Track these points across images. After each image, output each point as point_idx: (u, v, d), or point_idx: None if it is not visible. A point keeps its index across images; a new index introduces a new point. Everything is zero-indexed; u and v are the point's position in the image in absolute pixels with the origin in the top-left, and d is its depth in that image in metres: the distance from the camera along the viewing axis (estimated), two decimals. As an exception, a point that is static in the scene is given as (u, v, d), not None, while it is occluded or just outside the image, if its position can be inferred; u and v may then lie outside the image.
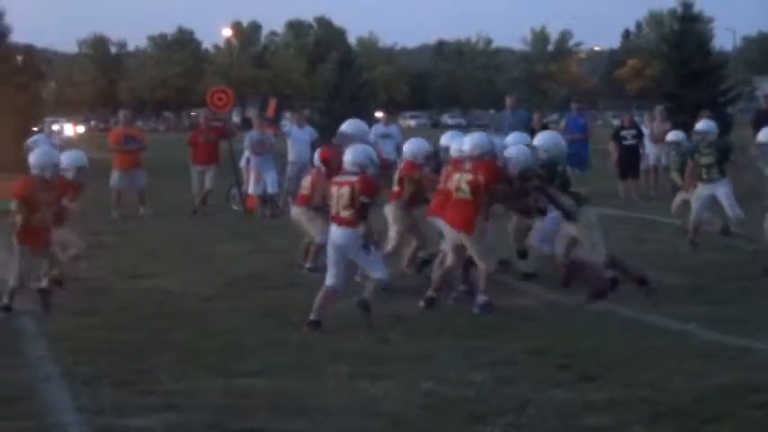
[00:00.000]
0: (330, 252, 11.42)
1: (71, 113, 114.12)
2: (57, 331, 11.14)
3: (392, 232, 13.68)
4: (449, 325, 11.20)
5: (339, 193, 11.35)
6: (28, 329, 11.38)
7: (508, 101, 27.66)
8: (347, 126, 13.97)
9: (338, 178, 11.66)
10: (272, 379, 9.20)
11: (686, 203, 16.91)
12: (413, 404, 8.41)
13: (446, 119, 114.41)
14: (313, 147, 22.67)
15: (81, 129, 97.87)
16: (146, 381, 9.11)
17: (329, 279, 11.32)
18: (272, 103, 27.82)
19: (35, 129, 34.30)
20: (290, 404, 8.45)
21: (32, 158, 12.38)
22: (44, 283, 12.22)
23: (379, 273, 11.41)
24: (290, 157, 23.20)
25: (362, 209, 11.22)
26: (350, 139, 13.53)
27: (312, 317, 11.12)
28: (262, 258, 16.15)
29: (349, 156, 11.66)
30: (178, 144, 30.74)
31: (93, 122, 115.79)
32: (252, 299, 12.89)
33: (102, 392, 8.76)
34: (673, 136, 18.17)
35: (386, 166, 20.45)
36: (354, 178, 11.36)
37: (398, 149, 22.51)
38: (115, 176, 22.60)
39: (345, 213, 11.25)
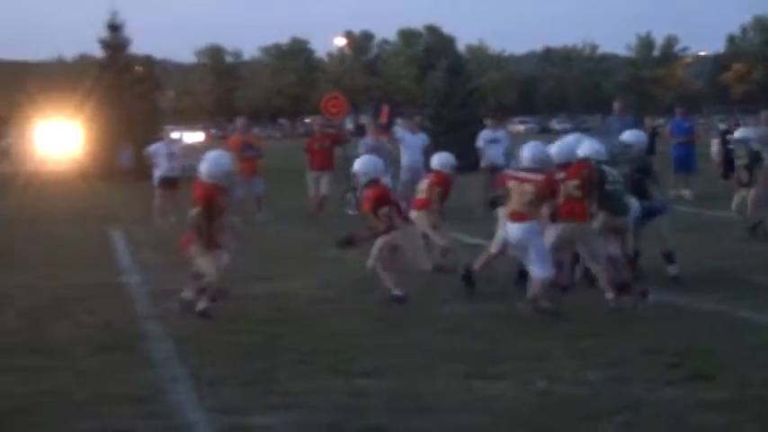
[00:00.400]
0: (515, 251, 12.15)
1: (189, 122, 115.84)
2: (181, 334, 11.45)
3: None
4: (561, 325, 11.31)
5: (521, 189, 11.75)
6: (154, 332, 11.69)
7: (615, 106, 27.66)
8: (358, 165, 13.62)
9: (515, 173, 12.06)
10: (390, 379, 9.38)
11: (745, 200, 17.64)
12: (527, 403, 8.53)
13: (554, 124, 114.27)
14: (425, 152, 23.02)
15: (200, 136, 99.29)
16: (267, 381, 9.34)
17: (541, 272, 11.71)
18: (385, 109, 28.14)
19: (176, 135, 34.85)
20: (407, 403, 8.61)
21: (205, 167, 12.54)
22: (201, 305, 12.30)
23: (542, 270, 11.69)
24: (404, 162, 23.48)
25: (554, 211, 11.82)
26: (361, 176, 13.45)
27: (550, 308, 11.66)
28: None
29: (527, 152, 12.03)
30: (294, 151, 31.13)
31: (213, 130, 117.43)
32: (367, 302, 13.11)
33: (227, 393, 9.02)
34: (740, 133, 18.43)
35: (495, 171, 20.78)
36: (539, 177, 11.75)
37: (507, 154, 22.77)
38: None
39: (525, 209, 11.69)
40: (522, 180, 11.76)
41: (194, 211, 12.24)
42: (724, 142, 25.63)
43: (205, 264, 12.27)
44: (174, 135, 45.27)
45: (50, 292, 14.17)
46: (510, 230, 11.89)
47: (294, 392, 8.98)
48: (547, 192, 11.68)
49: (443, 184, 14.88)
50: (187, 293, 12.51)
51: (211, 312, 12.16)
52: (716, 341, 10.43)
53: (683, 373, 9.23)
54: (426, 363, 9.90)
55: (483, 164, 23.53)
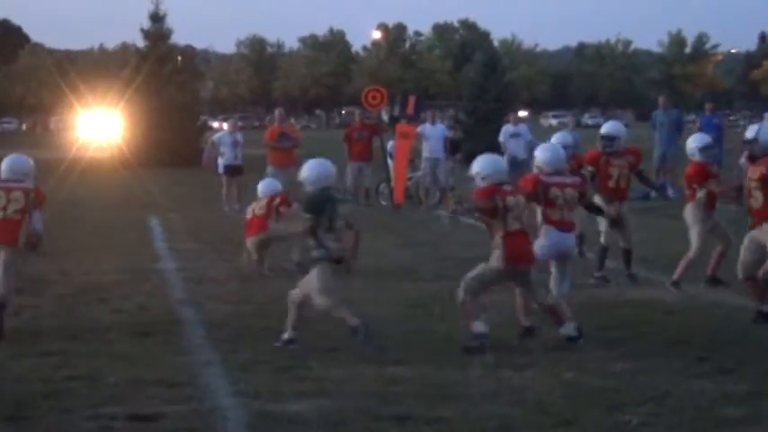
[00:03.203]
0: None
1: (226, 112, 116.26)
2: (213, 319, 11.62)
3: (693, 234, 13.13)
4: (588, 317, 11.17)
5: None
6: (188, 318, 11.84)
7: (660, 100, 27.89)
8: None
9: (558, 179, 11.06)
10: (420, 367, 9.46)
11: None
12: (555, 393, 8.61)
13: (586, 118, 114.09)
14: (445, 143, 23.50)
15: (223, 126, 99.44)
16: (299, 367, 9.45)
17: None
18: (411, 100, 28.41)
19: (216, 124, 34.38)
20: (437, 392, 8.69)
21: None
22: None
23: None
24: (424, 152, 23.85)
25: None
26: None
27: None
28: (409, 252, 16.47)
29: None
30: (330, 141, 31.31)
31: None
32: (400, 290, 13.20)
33: (259, 378, 9.12)
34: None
35: (516, 165, 20.89)
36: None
37: (529, 148, 23.14)
38: (270, 172, 23.23)
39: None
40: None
41: None
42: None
43: None
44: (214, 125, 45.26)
45: (87, 278, 14.36)
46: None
47: (325, 379, 9.09)
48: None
49: None
50: None
51: None
52: (741, 335, 10.51)
53: (709, 366, 9.30)
54: (457, 352, 9.99)
55: (505, 158, 23.84)
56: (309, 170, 10.68)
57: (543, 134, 28.17)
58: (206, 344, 10.55)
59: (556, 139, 14.71)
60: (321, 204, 10.31)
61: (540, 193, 10.85)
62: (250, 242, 14.63)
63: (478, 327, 10.17)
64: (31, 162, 11.83)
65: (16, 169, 11.50)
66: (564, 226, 10.95)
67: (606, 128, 14.14)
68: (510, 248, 10.18)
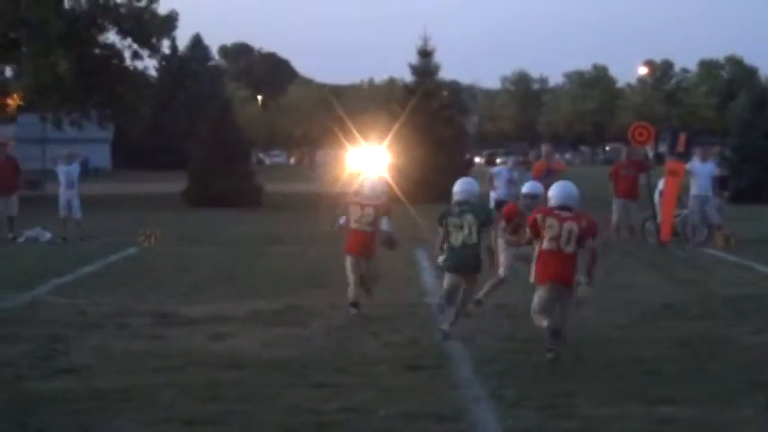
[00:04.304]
0: None
1: (491, 147, 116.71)
2: (482, 355, 11.69)
3: None
4: None
5: None
6: (456, 353, 11.92)
7: None
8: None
9: None
10: (691, 407, 9.32)
11: None
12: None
13: None
14: (714, 181, 23.05)
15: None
16: (565, 405, 9.42)
17: None
18: (682, 137, 28.01)
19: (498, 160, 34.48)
20: (707, 433, 8.55)
21: None
22: None
23: None
24: (693, 190, 23.48)
25: None
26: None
27: None
28: (676, 290, 16.22)
29: None
30: (592, 177, 31.12)
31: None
32: (667, 328, 13.02)
33: (527, 414, 9.15)
34: None
35: None
36: None
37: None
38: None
39: None
40: None
41: None
42: None
43: None
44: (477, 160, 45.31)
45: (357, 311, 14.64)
46: None
47: (591, 417, 9.05)
48: None
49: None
50: None
51: None
52: None
53: None
54: (729, 392, 9.80)
55: None
56: (458, 185, 12.74)
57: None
58: (474, 379, 10.61)
59: None
60: (444, 213, 12.66)
61: None
62: None
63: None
64: (387, 182, 15.08)
65: (375, 188, 14.50)
66: None
67: None
68: (541, 265, 11.38)
